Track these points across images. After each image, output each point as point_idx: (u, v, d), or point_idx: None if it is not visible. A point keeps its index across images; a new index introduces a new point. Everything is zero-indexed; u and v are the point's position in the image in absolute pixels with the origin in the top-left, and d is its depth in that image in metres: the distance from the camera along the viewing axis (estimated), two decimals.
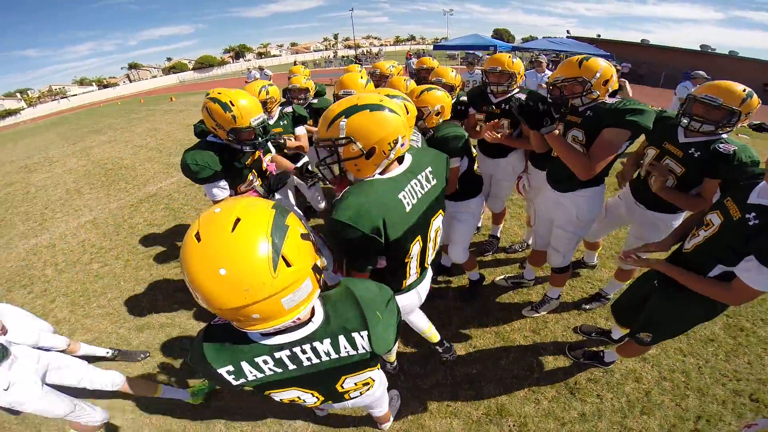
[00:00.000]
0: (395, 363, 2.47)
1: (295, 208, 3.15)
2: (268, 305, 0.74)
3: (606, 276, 3.17)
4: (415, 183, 1.30)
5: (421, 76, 3.69)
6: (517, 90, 2.68)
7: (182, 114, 14.54)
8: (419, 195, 1.31)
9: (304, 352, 0.91)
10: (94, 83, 61.62)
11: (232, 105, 1.99)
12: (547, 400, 2.22)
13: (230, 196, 2.25)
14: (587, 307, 2.89)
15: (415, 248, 1.38)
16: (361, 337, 0.94)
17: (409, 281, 1.52)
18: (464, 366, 2.48)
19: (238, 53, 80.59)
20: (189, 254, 0.70)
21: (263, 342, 0.88)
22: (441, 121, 2.17)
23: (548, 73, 6.75)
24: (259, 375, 0.90)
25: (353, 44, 47.36)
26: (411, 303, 1.69)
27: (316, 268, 0.82)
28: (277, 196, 2.79)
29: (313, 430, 2.22)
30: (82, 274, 4.05)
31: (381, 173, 1.24)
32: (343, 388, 1.13)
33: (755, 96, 1.74)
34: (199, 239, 0.70)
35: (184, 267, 0.71)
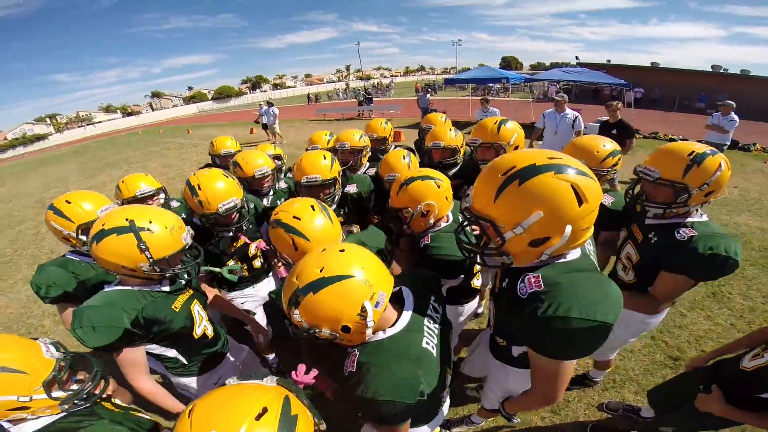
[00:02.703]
0: None
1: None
2: None
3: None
4: (428, 321, 1.14)
5: (424, 137, 3.25)
6: None
7: (196, 149, 14.72)
8: (437, 331, 1.15)
9: None
10: (118, 110, 64.42)
11: (199, 189, 1.91)
12: None
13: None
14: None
15: (448, 379, 1.24)
16: None
17: (444, 408, 1.37)
18: None
19: (255, 84, 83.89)
20: None
21: None
22: (432, 221, 1.71)
23: (570, 112, 5.65)
24: None
25: (363, 75, 48.80)
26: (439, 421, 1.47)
27: None
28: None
29: None
30: None
31: (390, 325, 1.09)
32: None
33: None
34: None
35: None
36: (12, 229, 7.80)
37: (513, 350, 1.37)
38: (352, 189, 2.38)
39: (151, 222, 1.38)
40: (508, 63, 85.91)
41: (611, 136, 4.98)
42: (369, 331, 0.99)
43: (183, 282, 1.63)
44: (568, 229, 0.89)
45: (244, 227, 2.12)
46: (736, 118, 6.12)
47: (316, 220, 1.48)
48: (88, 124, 46.32)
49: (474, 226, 1.23)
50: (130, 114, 55.83)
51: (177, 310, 1.55)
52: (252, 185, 2.53)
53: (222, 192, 1.90)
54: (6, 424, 1.11)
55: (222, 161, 3.29)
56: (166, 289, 1.55)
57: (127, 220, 1.34)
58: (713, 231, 1.48)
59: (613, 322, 0.90)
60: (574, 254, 1.04)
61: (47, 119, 53.89)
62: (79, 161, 17.66)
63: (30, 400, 1.08)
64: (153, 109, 61.92)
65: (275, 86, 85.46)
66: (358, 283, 0.96)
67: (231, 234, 2.11)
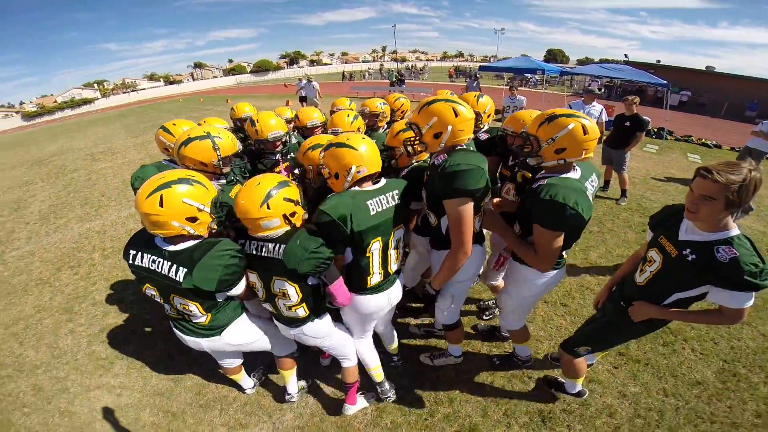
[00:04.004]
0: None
1: None
2: (255, 222, 1.56)
3: None
4: (382, 198, 1.74)
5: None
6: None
7: None
8: (384, 207, 1.74)
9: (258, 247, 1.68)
10: (161, 79, 66.91)
11: (257, 122, 2.60)
12: (518, 425, 2.30)
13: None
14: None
15: (375, 246, 1.75)
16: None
17: (373, 279, 1.83)
18: (449, 385, 2.59)
19: (293, 59, 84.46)
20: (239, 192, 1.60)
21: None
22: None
23: (597, 105, 5.79)
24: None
25: (398, 57, 47.98)
26: (380, 304, 1.94)
27: (285, 216, 1.59)
28: None
29: (299, 424, 2.38)
30: (125, 262, 4.40)
31: (359, 187, 1.72)
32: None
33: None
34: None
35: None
36: (65, 176, 8.72)
37: (441, 225, 1.86)
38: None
39: (219, 134, 2.00)
40: (554, 56, 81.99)
41: (624, 127, 5.31)
42: (346, 185, 1.69)
43: (233, 178, 2.25)
44: (449, 128, 1.65)
45: (284, 153, 2.80)
46: None
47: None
48: (132, 91, 48.55)
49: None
50: (172, 83, 57.78)
51: (232, 197, 1.99)
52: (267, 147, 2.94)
53: (272, 126, 2.63)
54: (165, 245, 1.58)
55: (242, 123, 3.73)
56: (224, 181, 2.14)
57: (204, 132, 1.96)
58: (561, 183, 1.62)
59: (481, 165, 1.63)
60: (466, 146, 1.75)
61: (95, 85, 56.69)
62: (124, 122, 18.90)
63: (202, 210, 1.52)
64: (194, 79, 63.76)
65: (312, 62, 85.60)
66: (356, 153, 1.64)
67: (275, 158, 2.78)
